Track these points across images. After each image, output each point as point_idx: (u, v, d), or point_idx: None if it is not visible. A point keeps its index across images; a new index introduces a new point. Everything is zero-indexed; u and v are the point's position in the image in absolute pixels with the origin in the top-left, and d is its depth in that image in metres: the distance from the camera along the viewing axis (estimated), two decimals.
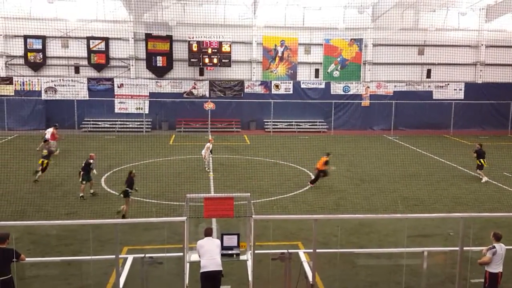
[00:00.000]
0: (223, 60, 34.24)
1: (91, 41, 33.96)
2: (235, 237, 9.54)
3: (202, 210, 9.32)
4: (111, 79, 34.66)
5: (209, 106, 33.76)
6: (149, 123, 34.57)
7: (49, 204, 16.13)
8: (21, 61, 33.94)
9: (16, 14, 31.92)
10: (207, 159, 21.83)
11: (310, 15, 34.98)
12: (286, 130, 35.34)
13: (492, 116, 37.14)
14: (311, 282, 8.94)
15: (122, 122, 34.50)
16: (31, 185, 18.29)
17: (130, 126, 34.48)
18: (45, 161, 19.23)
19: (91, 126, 33.94)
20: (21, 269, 9.89)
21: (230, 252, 9.47)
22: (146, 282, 9.04)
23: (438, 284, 10.68)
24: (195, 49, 33.84)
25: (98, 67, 34.58)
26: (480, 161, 20.67)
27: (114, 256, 8.88)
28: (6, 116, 32.51)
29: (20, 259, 8.58)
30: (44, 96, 34.00)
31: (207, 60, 34.11)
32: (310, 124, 36.03)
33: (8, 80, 33.73)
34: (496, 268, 9.06)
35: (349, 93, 36.59)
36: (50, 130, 25.23)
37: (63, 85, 34.27)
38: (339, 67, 36.50)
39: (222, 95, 35.48)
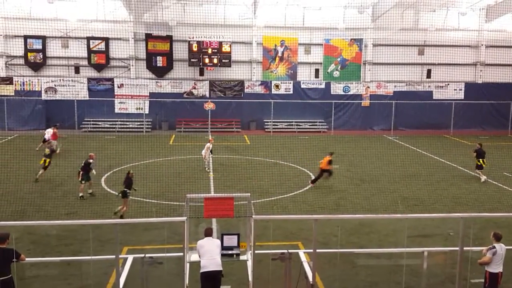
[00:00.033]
0: (223, 60, 34.24)
1: (91, 41, 33.96)
2: (235, 237, 9.53)
3: (202, 210, 9.32)
4: (111, 79, 34.67)
5: (209, 106, 33.76)
6: (149, 123, 34.58)
7: (49, 204, 16.12)
8: (21, 61, 33.95)
9: (16, 14, 31.94)
10: (207, 159, 21.83)
11: (310, 15, 34.98)
12: (286, 130, 35.34)
13: (492, 116, 37.15)
14: (311, 282, 8.94)
15: (122, 122, 34.50)
16: (31, 185, 18.29)
17: (130, 126, 34.48)
18: (47, 160, 19.31)
19: (91, 126, 33.94)
20: (21, 269, 9.90)
21: (230, 252, 9.46)
22: (146, 282, 9.04)
23: (438, 284, 10.68)
24: (195, 49, 33.85)
25: (98, 67, 34.59)
26: (479, 161, 20.68)
27: (114, 256, 8.88)
28: (6, 116, 32.51)
29: (20, 259, 8.58)
30: (44, 96, 34.01)
31: (207, 60, 34.11)
32: (310, 124, 36.03)
33: (8, 80, 33.74)
34: (496, 268, 9.05)
35: (349, 93, 36.60)
36: (49, 131, 25.24)
37: (63, 85, 34.28)
38: (339, 67, 36.50)
39: (222, 95, 35.49)
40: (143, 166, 21.97)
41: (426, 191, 18.75)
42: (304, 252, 11.53)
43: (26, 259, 9.08)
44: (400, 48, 35.75)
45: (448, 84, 37.16)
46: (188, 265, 9.46)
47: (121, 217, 14.44)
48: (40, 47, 33.70)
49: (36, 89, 34.00)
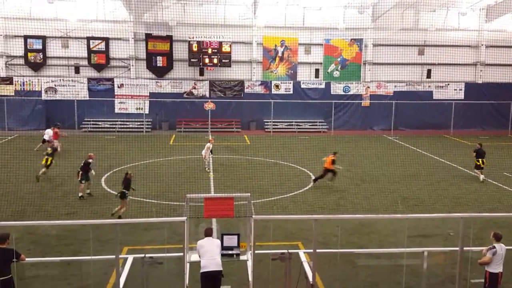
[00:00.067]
0: (223, 60, 34.24)
1: (91, 41, 33.97)
2: (235, 237, 9.53)
3: (202, 210, 9.32)
4: (111, 79, 34.67)
5: (209, 106, 33.76)
6: (149, 123, 34.57)
7: (49, 204, 16.12)
8: (21, 61, 33.95)
9: (16, 14, 31.93)
10: (207, 159, 21.83)
11: (310, 15, 34.98)
12: (286, 130, 35.34)
13: (492, 116, 37.15)
14: (311, 282, 8.94)
15: (122, 122, 34.50)
16: (31, 185, 18.27)
17: (130, 126, 34.48)
18: (49, 159, 19.37)
19: (91, 126, 33.94)
20: (21, 269, 9.90)
21: (230, 252, 9.46)
22: (146, 282, 9.04)
23: (438, 284, 10.68)
24: (195, 49, 33.85)
25: (98, 67, 34.59)
26: (478, 161, 20.68)
27: (114, 256, 8.88)
28: (6, 116, 32.50)
29: (20, 259, 8.58)
30: (44, 96, 34.01)
31: (207, 60, 34.11)
32: (310, 124, 36.03)
33: (8, 80, 33.74)
34: (496, 268, 9.05)
35: (349, 93, 36.60)
36: (48, 131, 25.25)
37: (63, 85, 34.28)
38: (339, 67, 36.50)
39: (222, 95, 35.49)
40: (143, 166, 21.97)
41: (426, 191, 18.75)
42: (304, 252, 11.52)
43: (26, 259, 9.08)
44: (400, 48, 35.74)
45: (448, 84, 37.16)
46: (188, 265, 9.46)
47: (119, 218, 14.43)
48: (40, 47, 33.70)
49: (36, 89, 34.01)
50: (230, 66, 34.72)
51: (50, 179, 19.35)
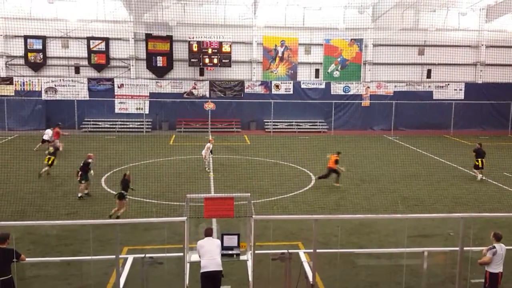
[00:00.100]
0: (223, 60, 34.24)
1: (91, 41, 33.97)
2: (235, 237, 9.53)
3: (202, 210, 9.32)
4: (111, 79, 34.67)
5: (209, 106, 33.76)
6: (149, 123, 34.58)
7: (49, 204, 16.13)
8: (21, 61, 33.95)
9: (16, 14, 31.94)
10: (207, 159, 21.83)
11: (310, 15, 34.97)
12: (286, 130, 35.34)
13: (492, 116, 37.15)
14: (311, 282, 8.93)
15: (122, 122, 34.50)
16: (31, 185, 18.26)
17: (130, 126, 34.48)
18: (52, 158, 19.44)
19: (91, 126, 33.94)
20: (21, 269, 9.90)
21: (230, 252, 9.46)
22: (146, 282, 9.04)
23: (438, 284, 10.68)
24: (195, 49, 33.85)
25: (98, 67, 34.59)
26: (477, 161, 20.68)
27: (114, 256, 8.88)
28: (6, 116, 32.51)
29: (20, 259, 8.58)
30: (44, 96, 34.02)
31: (207, 60, 34.12)
32: (310, 124, 36.03)
33: (8, 80, 33.74)
34: (496, 268, 9.06)
35: (349, 93, 36.60)
36: (48, 131, 25.26)
37: (63, 85, 34.28)
38: (339, 67, 36.50)
39: (222, 95, 35.49)
40: (143, 166, 21.97)
41: (426, 191, 18.75)
42: (304, 252, 11.51)
43: (26, 259, 9.08)
44: (400, 48, 35.74)
45: (448, 84, 37.16)
46: (188, 265, 9.46)
47: (118, 218, 14.40)
48: (40, 47, 33.70)
49: (36, 89, 34.01)
50: (230, 66, 34.72)
51: (50, 179, 19.35)
